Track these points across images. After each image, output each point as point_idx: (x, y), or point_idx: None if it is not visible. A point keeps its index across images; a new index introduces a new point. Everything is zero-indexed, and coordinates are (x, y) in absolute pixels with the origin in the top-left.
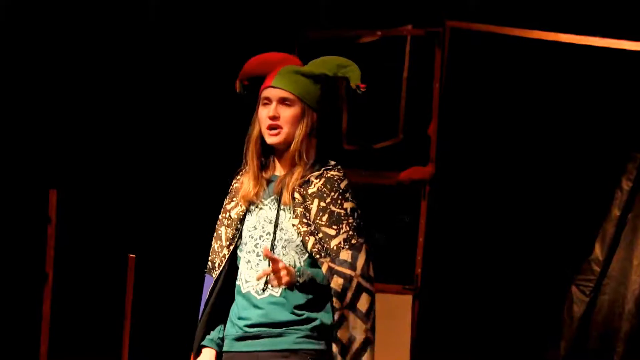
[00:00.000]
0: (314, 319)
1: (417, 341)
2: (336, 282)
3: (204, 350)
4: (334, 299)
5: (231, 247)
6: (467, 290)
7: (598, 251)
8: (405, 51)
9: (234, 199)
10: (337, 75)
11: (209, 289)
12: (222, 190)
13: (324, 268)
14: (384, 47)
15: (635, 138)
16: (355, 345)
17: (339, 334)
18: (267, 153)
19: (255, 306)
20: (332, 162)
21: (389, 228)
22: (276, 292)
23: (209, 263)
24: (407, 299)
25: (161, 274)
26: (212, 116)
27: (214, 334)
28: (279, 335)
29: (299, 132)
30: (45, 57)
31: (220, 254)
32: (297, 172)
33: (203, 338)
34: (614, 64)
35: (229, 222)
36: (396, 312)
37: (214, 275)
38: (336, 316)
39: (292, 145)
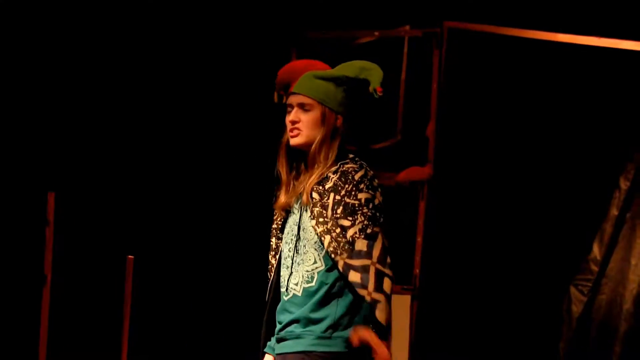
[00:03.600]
0: (326, 317)
1: (415, 341)
2: (355, 276)
3: (266, 356)
4: (360, 290)
5: (277, 257)
6: (466, 290)
7: (596, 251)
8: (403, 52)
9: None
10: (358, 77)
11: None
12: (220, 192)
13: (340, 265)
14: (382, 48)
15: (633, 137)
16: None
17: (377, 316)
18: (300, 160)
19: (283, 307)
20: (351, 156)
21: (387, 228)
22: (297, 290)
23: (269, 273)
24: (406, 299)
25: (160, 276)
26: (209, 117)
27: (273, 340)
28: (298, 337)
29: (319, 135)
30: (44, 60)
31: (270, 263)
32: (316, 172)
33: (265, 344)
34: (612, 64)
35: (274, 232)
36: (395, 313)
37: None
38: (368, 299)
39: (312, 147)
